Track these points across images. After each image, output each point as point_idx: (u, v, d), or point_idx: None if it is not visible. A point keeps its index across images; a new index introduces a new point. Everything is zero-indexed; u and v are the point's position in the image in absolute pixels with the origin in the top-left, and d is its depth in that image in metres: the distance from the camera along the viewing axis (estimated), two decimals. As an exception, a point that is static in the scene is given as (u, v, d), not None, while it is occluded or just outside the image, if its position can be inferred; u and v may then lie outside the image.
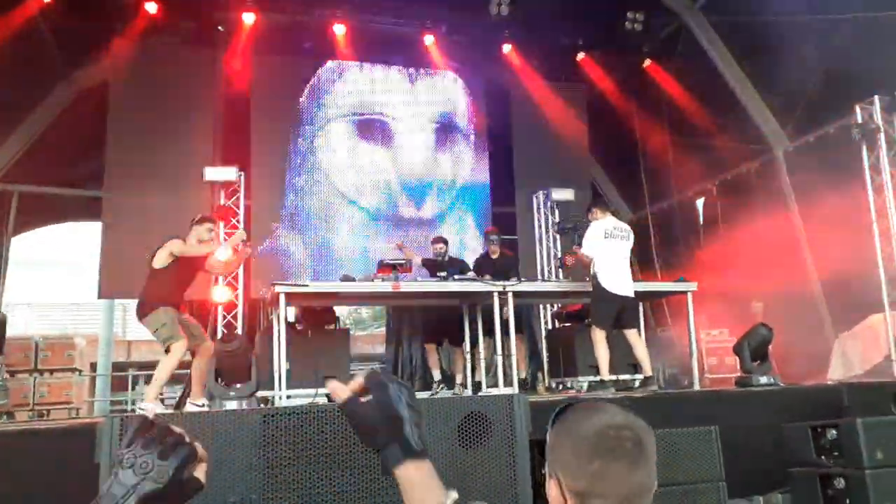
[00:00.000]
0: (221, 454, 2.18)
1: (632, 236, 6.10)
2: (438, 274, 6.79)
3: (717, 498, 3.37)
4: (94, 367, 14.13)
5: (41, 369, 9.70)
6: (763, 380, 5.74)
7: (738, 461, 3.56)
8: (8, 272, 10.00)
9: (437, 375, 7.61)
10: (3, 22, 7.92)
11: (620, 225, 6.11)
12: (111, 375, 14.29)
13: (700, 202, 10.83)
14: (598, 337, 5.87)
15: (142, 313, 5.37)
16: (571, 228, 6.88)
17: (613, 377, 6.07)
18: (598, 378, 6.09)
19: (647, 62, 10.47)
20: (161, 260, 5.35)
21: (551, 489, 1.15)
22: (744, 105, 9.21)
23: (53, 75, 9.35)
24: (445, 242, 7.51)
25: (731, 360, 7.26)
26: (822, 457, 3.67)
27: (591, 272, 5.97)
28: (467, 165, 10.58)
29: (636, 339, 6.04)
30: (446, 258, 7.43)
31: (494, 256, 7.59)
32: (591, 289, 6.30)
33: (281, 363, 5.46)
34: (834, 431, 3.62)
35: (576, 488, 1.10)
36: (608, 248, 5.89)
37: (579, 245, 6.08)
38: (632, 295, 5.97)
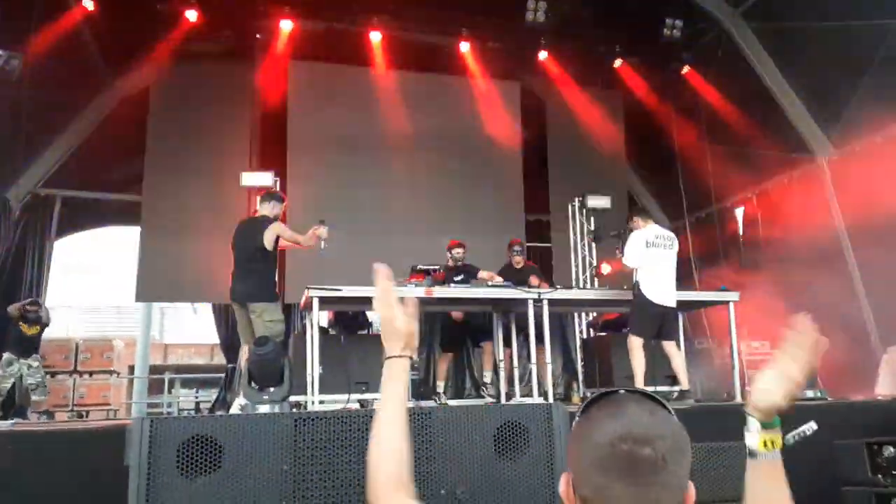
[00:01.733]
0: (253, 459, 2.14)
1: (676, 244, 5.96)
2: (455, 279, 6.77)
3: (763, 517, 3.21)
4: (132, 369, 14.38)
5: (80, 371, 9.91)
6: (808, 394, 5.55)
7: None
8: (50, 275, 10.22)
9: (441, 387, 7.56)
10: (49, 30, 8.10)
11: (663, 233, 5.97)
12: (148, 378, 14.52)
13: (740, 211, 10.58)
14: (636, 346, 5.75)
15: (256, 296, 5.46)
16: (615, 237, 6.78)
17: (651, 389, 5.90)
18: (653, 388, 5.95)
19: (686, 69, 10.29)
20: (271, 241, 5.49)
21: (562, 483, 1.11)
22: (786, 112, 8.97)
23: (96, 82, 9.55)
24: (464, 247, 7.46)
25: (774, 374, 7.02)
26: (879, 475, 3.50)
27: (633, 281, 5.86)
28: (501, 173, 10.49)
29: (674, 350, 5.91)
30: (461, 263, 7.37)
31: (518, 266, 7.52)
32: (626, 297, 6.18)
33: (314, 368, 5.44)
34: (892, 449, 3.45)
35: (581, 494, 1.06)
36: (651, 258, 5.76)
37: (623, 254, 5.96)
38: (674, 305, 5.83)
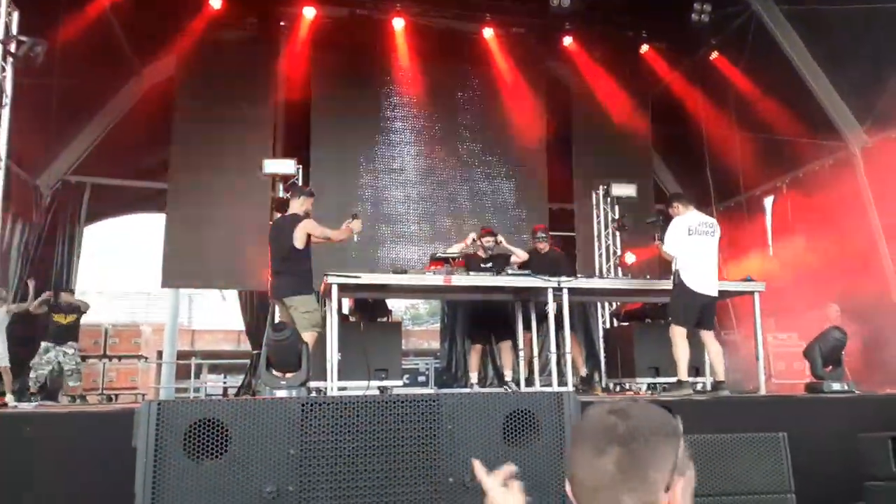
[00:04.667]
0: (260, 443, 2.14)
1: (718, 232, 5.74)
2: (482, 266, 6.67)
3: (784, 510, 3.13)
4: (160, 354, 14.64)
5: (110, 355, 10.10)
6: (835, 386, 5.41)
7: (807, 472, 3.31)
8: (80, 261, 10.41)
9: (474, 378, 7.50)
10: (77, 18, 8.19)
11: (706, 220, 5.75)
12: (176, 363, 14.76)
13: (769, 200, 10.37)
14: (679, 336, 5.56)
15: (291, 291, 5.57)
16: (652, 223, 6.60)
17: (674, 379, 5.80)
18: (675, 378, 5.79)
19: (715, 54, 10.07)
20: (302, 240, 5.59)
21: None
22: (818, 99, 8.74)
23: (124, 71, 9.67)
24: (494, 235, 7.36)
25: (801, 366, 6.89)
26: (903, 471, 3.39)
27: (673, 269, 5.70)
28: (524, 161, 10.40)
29: (711, 340, 5.75)
30: (492, 252, 7.27)
31: (543, 252, 7.41)
32: (649, 287, 6.07)
33: (333, 354, 5.47)
34: (917, 444, 3.34)
35: (566, 473, 1.11)
36: (692, 245, 5.58)
37: (661, 241, 5.79)
38: (715, 294, 5.66)
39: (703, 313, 5.64)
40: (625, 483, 1.02)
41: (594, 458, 1.03)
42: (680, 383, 5.61)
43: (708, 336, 5.76)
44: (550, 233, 7.81)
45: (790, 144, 9.24)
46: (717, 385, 5.70)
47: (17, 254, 9.11)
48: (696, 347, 5.91)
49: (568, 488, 1.10)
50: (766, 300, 6.45)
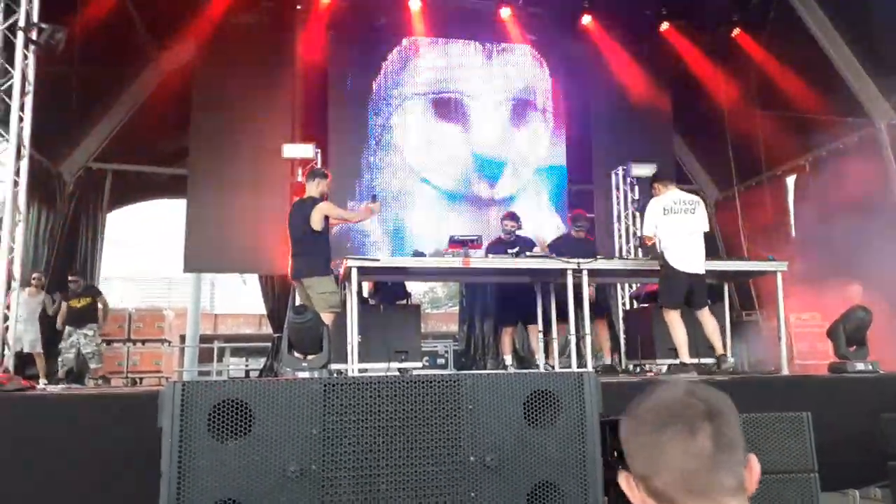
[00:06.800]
0: (283, 423, 2.17)
1: (700, 208, 5.66)
2: (509, 251, 6.63)
3: (808, 490, 3.12)
4: (183, 338, 14.86)
5: (134, 339, 10.26)
6: (859, 366, 5.35)
7: (831, 451, 3.29)
8: (104, 247, 10.55)
9: (508, 360, 7.47)
10: (95, 5, 8.22)
11: (684, 197, 5.69)
12: (199, 347, 14.97)
13: (791, 179, 10.22)
14: (672, 318, 5.60)
15: (308, 272, 5.62)
16: (638, 209, 6.57)
17: (695, 360, 5.78)
18: (677, 361, 5.83)
19: (736, 31, 9.89)
20: (319, 222, 5.63)
21: (622, 483, 1.03)
22: (842, 75, 8.56)
23: (142, 57, 9.70)
24: (517, 219, 7.29)
25: (824, 346, 6.82)
26: (927, 450, 3.36)
27: (658, 250, 5.70)
28: (544, 143, 10.33)
29: (705, 316, 5.73)
30: (514, 237, 7.22)
31: (578, 239, 7.35)
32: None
33: (353, 337, 5.51)
34: (941, 423, 3.30)
35: (638, 472, 0.98)
36: (670, 225, 5.57)
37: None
38: (702, 272, 5.63)
39: (691, 291, 5.62)
40: (723, 461, 0.96)
41: (688, 438, 0.95)
42: (683, 365, 5.62)
43: (702, 313, 5.73)
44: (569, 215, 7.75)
45: (813, 122, 9.08)
46: (719, 359, 5.68)
47: (42, 242, 9.25)
48: (692, 327, 5.87)
49: (638, 491, 1.00)
50: (788, 280, 6.38)
